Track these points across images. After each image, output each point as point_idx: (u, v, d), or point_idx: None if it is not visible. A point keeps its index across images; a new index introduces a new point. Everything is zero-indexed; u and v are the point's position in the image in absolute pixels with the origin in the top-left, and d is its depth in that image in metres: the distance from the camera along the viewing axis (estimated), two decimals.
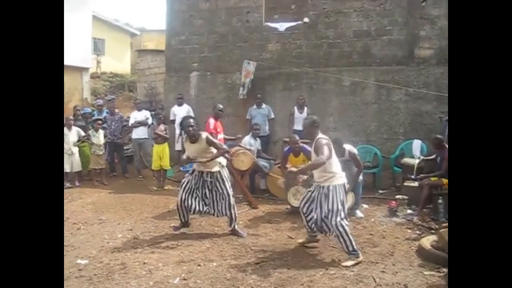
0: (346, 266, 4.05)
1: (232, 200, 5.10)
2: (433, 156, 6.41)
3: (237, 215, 5.20)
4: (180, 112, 8.98)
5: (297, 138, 6.14)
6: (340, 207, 4.21)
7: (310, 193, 4.46)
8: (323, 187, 4.28)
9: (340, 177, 4.31)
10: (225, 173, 5.16)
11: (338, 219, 4.17)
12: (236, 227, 5.14)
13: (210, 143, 4.98)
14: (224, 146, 5.35)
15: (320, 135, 4.30)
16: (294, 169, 4.49)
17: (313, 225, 4.45)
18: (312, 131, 4.35)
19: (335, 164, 4.33)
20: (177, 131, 8.93)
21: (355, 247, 4.18)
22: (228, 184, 5.10)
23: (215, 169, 5.05)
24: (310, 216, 4.45)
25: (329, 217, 4.20)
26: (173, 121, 8.94)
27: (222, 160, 5.20)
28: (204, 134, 5.04)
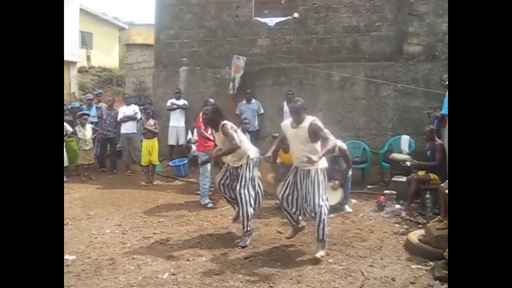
0: (322, 256, 4.06)
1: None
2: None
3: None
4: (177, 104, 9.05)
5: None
6: (322, 190, 4.12)
7: (288, 182, 4.32)
8: (303, 170, 4.18)
9: (321, 161, 4.10)
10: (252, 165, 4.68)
11: (321, 202, 4.09)
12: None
13: (224, 133, 4.57)
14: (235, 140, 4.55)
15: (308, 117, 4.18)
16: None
17: (297, 212, 4.39)
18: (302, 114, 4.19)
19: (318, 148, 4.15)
20: (171, 124, 8.96)
21: (326, 237, 4.18)
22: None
23: (242, 162, 4.66)
24: (292, 208, 4.39)
25: (311, 199, 4.10)
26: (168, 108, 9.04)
27: (251, 152, 4.71)
28: (222, 123, 4.63)
